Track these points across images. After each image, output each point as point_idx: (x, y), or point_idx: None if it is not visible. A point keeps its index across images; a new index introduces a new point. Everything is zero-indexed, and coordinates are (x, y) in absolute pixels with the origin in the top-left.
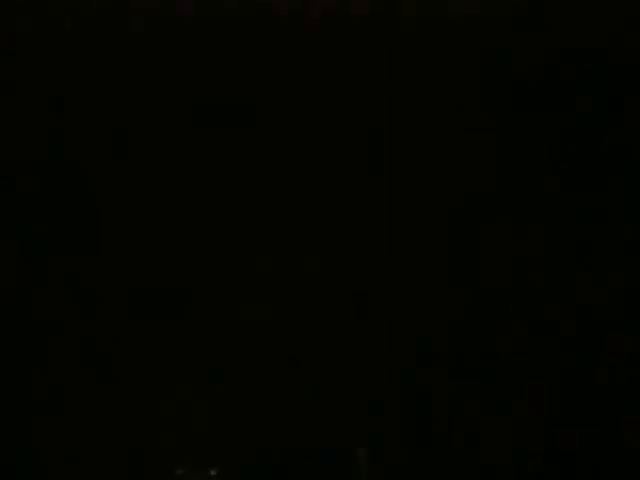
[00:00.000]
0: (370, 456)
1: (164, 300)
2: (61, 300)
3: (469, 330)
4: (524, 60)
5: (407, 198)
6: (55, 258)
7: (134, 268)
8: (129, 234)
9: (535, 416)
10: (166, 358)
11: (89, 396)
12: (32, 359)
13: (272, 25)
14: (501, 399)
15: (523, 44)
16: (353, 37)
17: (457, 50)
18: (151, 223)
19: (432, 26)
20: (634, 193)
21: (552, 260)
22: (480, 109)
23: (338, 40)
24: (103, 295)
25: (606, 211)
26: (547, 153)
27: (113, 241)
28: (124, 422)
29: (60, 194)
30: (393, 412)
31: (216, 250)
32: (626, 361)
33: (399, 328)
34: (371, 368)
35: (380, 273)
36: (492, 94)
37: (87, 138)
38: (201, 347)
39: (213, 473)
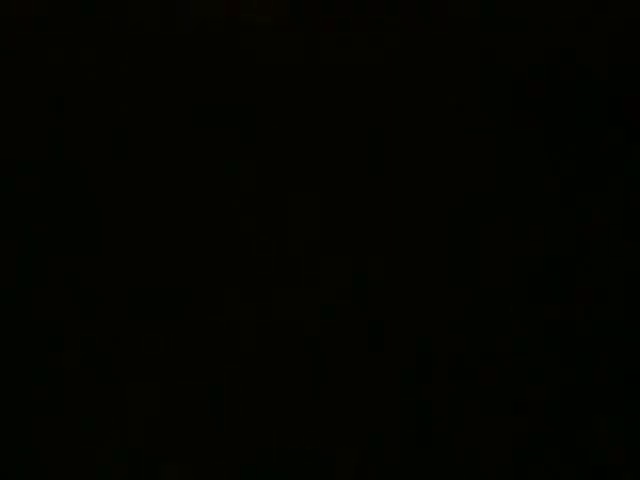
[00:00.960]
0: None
1: (164, 300)
2: (61, 300)
3: (469, 330)
4: (524, 60)
5: (407, 198)
6: (55, 258)
7: (134, 267)
8: (129, 234)
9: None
10: (165, 357)
11: (89, 395)
12: (32, 359)
13: (272, 26)
14: (501, 400)
15: (523, 44)
16: (353, 37)
17: (457, 50)
18: (151, 222)
19: (432, 26)
20: (634, 193)
21: (552, 259)
22: (480, 109)
23: (338, 40)
24: (103, 295)
25: (606, 211)
26: (547, 153)
27: (113, 241)
28: (124, 420)
29: (60, 194)
30: (392, 414)
31: (216, 250)
32: (626, 361)
33: (399, 327)
34: (371, 368)
35: (380, 273)
36: (492, 94)
37: (87, 138)
38: (200, 347)
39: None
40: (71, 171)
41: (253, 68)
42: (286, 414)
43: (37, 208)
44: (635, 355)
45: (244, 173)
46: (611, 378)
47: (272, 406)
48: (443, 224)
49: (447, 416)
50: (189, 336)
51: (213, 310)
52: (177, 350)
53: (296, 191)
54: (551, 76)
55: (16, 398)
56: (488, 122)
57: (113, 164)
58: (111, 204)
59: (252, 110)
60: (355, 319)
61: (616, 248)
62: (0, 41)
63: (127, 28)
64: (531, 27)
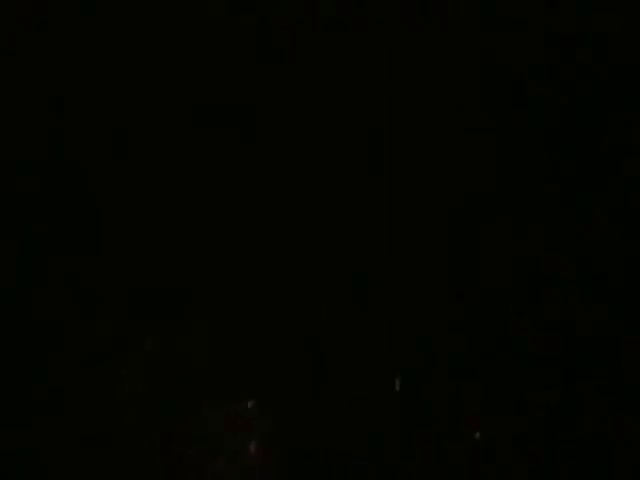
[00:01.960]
0: None
1: (163, 299)
2: (61, 300)
3: (469, 329)
4: (524, 60)
5: (407, 197)
6: (55, 258)
7: (134, 267)
8: (129, 233)
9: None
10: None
11: None
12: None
13: (271, 25)
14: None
15: (523, 44)
16: (353, 37)
17: (457, 50)
18: (151, 222)
19: (433, 26)
20: (634, 193)
21: (551, 259)
22: (480, 109)
23: (338, 40)
24: (103, 294)
25: (606, 211)
26: (547, 153)
27: (113, 241)
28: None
29: (60, 194)
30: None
31: (215, 249)
32: (627, 360)
33: (398, 325)
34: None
35: (380, 272)
36: (492, 94)
37: (87, 138)
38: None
39: (250, 405)
40: (71, 171)
41: (253, 68)
42: (286, 414)
43: (37, 208)
44: (635, 354)
45: (244, 173)
46: (611, 377)
47: (272, 405)
48: (443, 223)
49: (447, 415)
50: (189, 336)
51: (213, 310)
52: (177, 349)
53: (296, 191)
54: (551, 76)
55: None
56: (488, 122)
57: (113, 164)
58: (111, 204)
59: (252, 110)
60: (355, 319)
61: (616, 247)
62: (0, 41)
63: (127, 28)
64: (531, 27)
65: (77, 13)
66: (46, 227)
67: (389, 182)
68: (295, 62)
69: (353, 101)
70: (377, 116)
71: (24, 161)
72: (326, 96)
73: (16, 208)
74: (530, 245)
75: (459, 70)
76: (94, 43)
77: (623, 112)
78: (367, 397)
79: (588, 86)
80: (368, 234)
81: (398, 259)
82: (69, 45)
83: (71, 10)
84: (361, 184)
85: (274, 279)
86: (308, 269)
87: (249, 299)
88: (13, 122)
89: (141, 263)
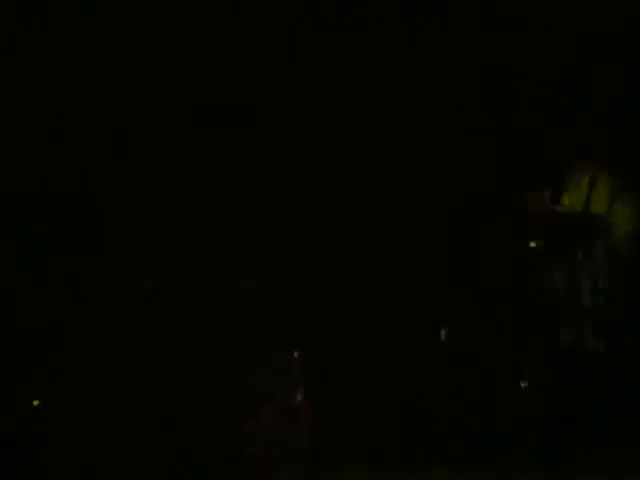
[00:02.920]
0: None
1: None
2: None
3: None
4: (524, 61)
5: (407, 197)
6: (55, 258)
7: (134, 266)
8: (130, 233)
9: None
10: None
11: None
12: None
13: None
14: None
15: (524, 44)
16: (353, 37)
17: (457, 50)
18: (150, 222)
19: (433, 26)
20: (634, 192)
21: (551, 258)
22: (480, 109)
23: (338, 40)
24: (103, 294)
25: (606, 210)
26: (547, 153)
27: (113, 241)
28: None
29: (60, 193)
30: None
31: (215, 249)
32: (627, 358)
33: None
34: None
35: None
36: (492, 94)
37: (87, 138)
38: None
39: (295, 354)
40: (71, 170)
41: (253, 68)
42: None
43: (37, 207)
44: (635, 354)
45: (243, 173)
46: (612, 375)
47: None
48: (443, 223)
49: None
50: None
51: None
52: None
53: (295, 190)
54: (552, 77)
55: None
56: (488, 122)
57: (113, 163)
58: (111, 203)
59: (252, 110)
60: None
61: (615, 246)
62: (0, 41)
63: (127, 28)
64: (531, 27)
65: (77, 13)
66: (46, 227)
67: (389, 181)
68: (294, 62)
69: (352, 100)
70: (377, 115)
71: (24, 160)
72: (326, 96)
73: (16, 206)
74: (529, 244)
75: (459, 70)
76: (94, 43)
77: (623, 112)
78: (406, 345)
79: (588, 85)
80: (368, 233)
81: (398, 258)
82: (69, 45)
83: (71, 10)
84: (360, 183)
85: (275, 279)
86: (308, 268)
87: (249, 299)
88: (13, 121)
89: (141, 262)
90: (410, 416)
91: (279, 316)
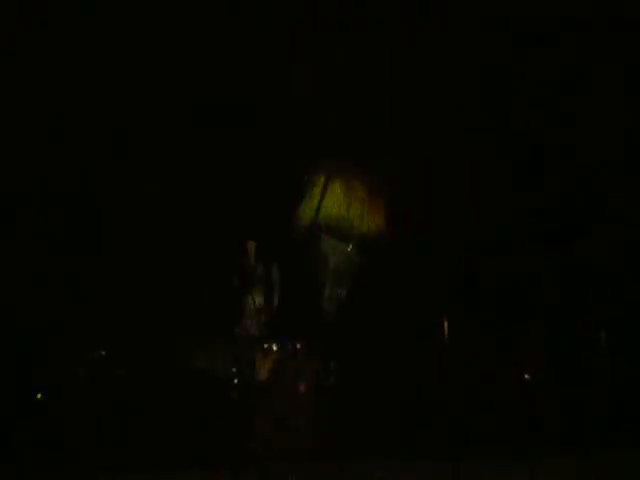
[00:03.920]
0: None
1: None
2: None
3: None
4: (524, 58)
5: (406, 197)
6: (54, 258)
7: (133, 266)
8: (129, 233)
9: None
10: None
11: None
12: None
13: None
14: None
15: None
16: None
17: (458, 48)
18: (151, 221)
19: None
20: (634, 191)
21: (551, 257)
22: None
23: (338, 39)
24: (105, 294)
25: (606, 209)
26: (546, 153)
27: (113, 241)
28: None
29: (60, 193)
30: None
31: (215, 249)
32: (627, 356)
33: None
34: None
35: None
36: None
37: (87, 137)
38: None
39: (298, 346)
40: (70, 170)
41: (252, 68)
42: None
43: (37, 206)
44: (635, 352)
45: (244, 173)
46: (612, 373)
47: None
48: (443, 222)
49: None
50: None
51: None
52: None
53: (295, 191)
54: (551, 74)
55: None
56: (488, 122)
57: (113, 163)
58: (111, 203)
59: (252, 110)
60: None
61: (615, 245)
62: (0, 41)
63: (127, 28)
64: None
65: (77, 13)
66: (46, 227)
67: (388, 182)
68: (292, 62)
69: (351, 100)
70: (376, 116)
71: (24, 160)
72: (326, 96)
73: (16, 205)
74: (529, 242)
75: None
76: (94, 43)
77: (623, 112)
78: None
79: (587, 85)
80: (368, 233)
81: (398, 258)
82: (69, 45)
83: (71, 10)
84: (359, 183)
85: (274, 279)
86: (308, 268)
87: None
88: (13, 121)
89: (140, 262)
90: (411, 412)
91: (284, 311)
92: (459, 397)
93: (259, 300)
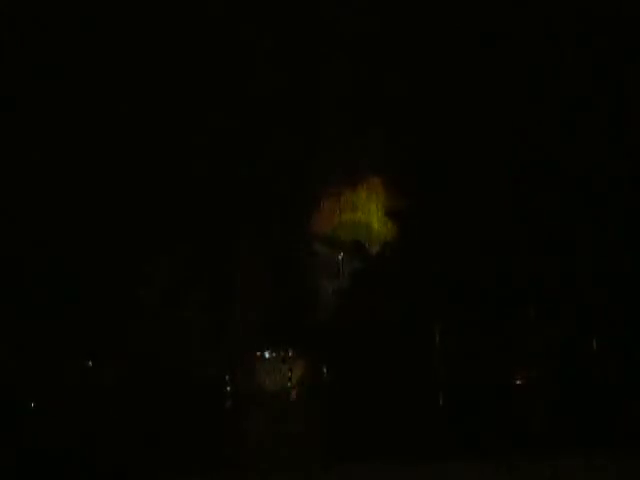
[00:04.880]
0: None
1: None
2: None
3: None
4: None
5: (406, 197)
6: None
7: (134, 266)
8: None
9: None
10: None
11: None
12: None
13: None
14: None
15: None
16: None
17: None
18: (150, 222)
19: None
20: (634, 191)
21: (552, 256)
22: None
23: (337, 39)
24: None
25: (608, 208)
26: (547, 153)
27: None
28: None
29: (59, 192)
30: None
31: (215, 250)
32: (627, 356)
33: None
34: None
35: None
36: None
37: (87, 137)
38: None
39: (290, 354)
40: (70, 171)
41: (252, 67)
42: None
43: (36, 206)
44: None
45: (243, 173)
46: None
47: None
48: (443, 221)
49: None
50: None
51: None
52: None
53: (295, 192)
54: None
55: None
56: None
57: (113, 163)
58: (111, 201)
59: (252, 110)
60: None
61: (615, 244)
62: (0, 41)
63: (127, 28)
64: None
65: (77, 13)
66: (46, 227)
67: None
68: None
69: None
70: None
71: (24, 160)
72: (325, 97)
73: (16, 203)
74: (530, 241)
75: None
76: (94, 43)
77: (623, 113)
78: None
79: (587, 84)
80: (368, 233)
81: (397, 258)
82: (69, 45)
83: (71, 10)
84: (359, 182)
85: (274, 280)
86: (308, 268)
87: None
88: (13, 121)
89: (141, 263)
90: (409, 414)
91: (280, 317)
92: (454, 401)
93: (250, 306)
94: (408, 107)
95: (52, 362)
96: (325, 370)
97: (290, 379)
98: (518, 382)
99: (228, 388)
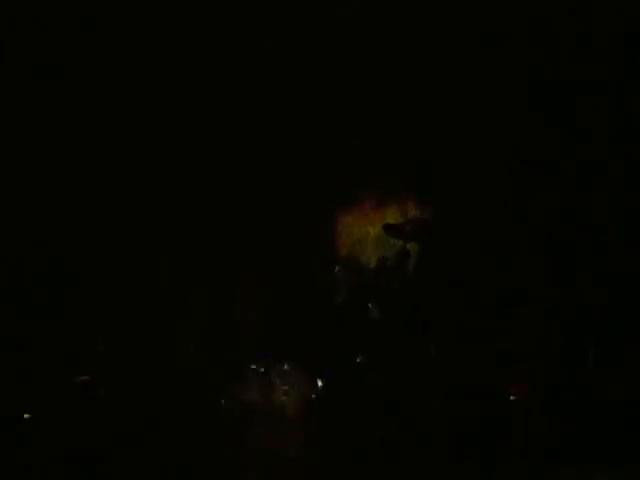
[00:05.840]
0: None
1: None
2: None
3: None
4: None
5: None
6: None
7: (134, 266)
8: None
9: None
10: None
11: None
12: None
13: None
14: None
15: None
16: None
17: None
18: (151, 223)
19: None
20: (634, 191)
21: (552, 256)
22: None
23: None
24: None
25: (608, 207)
26: (546, 155)
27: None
28: None
29: (59, 193)
30: None
31: (216, 251)
32: (627, 354)
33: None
34: None
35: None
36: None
37: (86, 137)
38: None
39: (286, 367)
40: (70, 171)
41: (252, 67)
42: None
43: (36, 206)
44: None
45: (244, 174)
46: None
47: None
48: (443, 222)
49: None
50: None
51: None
52: None
53: (295, 194)
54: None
55: None
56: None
57: (113, 163)
58: (111, 201)
59: (252, 110)
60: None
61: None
62: (0, 41)
63: (127, 28)
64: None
65: (77, 13)
66: (46, 228)
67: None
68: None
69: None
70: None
71: (24, 159)
72: (325, 98)
73: (16, 202)
74: (530, 240)
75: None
76: (94, 43)
77: (623, 113)
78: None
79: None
80: (369, 233)
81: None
82: (69, 45)
83: (71, 10)
84: (359, 182)
85: (275, 281)
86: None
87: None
88: (13, 121)
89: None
90: (408, 418)
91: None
92: (452, 413)
93: (248, 319)
94: (408, 107)
95: (48, 367)
96: (321, 383)
97: (287, 393)
98: (514, 397)
99: (223, 402)
